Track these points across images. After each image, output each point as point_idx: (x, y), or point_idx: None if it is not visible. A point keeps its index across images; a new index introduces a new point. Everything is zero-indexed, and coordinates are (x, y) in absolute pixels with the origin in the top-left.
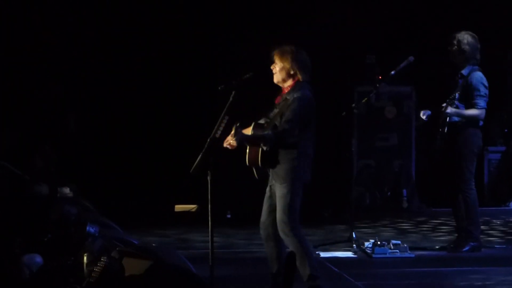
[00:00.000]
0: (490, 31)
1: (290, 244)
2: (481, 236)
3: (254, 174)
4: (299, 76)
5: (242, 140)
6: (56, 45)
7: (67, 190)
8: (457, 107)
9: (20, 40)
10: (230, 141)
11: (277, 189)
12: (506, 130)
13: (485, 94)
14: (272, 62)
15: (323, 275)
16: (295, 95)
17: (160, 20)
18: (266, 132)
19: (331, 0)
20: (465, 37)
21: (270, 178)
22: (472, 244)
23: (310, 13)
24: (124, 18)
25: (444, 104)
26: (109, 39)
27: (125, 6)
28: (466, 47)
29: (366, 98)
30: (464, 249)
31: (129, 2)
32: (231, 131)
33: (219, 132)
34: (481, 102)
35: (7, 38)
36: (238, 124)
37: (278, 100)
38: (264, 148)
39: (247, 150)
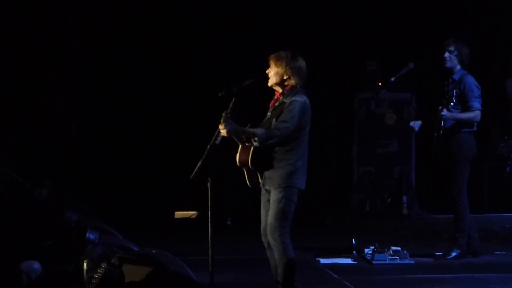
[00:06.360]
0: (491, 36)
1: (275, 250)
2: (480, 243)
3: (247, 182)
4: (293, 81)
5: (232, 131)
6: (60, 52)
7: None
8: (450, 111)
9: (23, 46)
10: (221, 130)
11: (272, 194)
12: (506, 137)
13: (479, 95)
14: (268, 66)
15: (323, 282)
16: (292, 98)
17: (160, 29)
18: (258, 129)
19: (331, 6)
20: (462, 45)
21: (262, 183)
22: (457, 251)
23: (310, 19)
24: (126, 26)
25: (440, 107)
26: (111, 48)
27: (128, 16)
28: (464, 55)
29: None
30: (449, 257)
31: (132, 11)
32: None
33: (219, 138)
34: (476, 104)
35: (11, 43)
36: (228, 110)
37: (272, 104)
38: (255, 144)
39: (239, 150)
